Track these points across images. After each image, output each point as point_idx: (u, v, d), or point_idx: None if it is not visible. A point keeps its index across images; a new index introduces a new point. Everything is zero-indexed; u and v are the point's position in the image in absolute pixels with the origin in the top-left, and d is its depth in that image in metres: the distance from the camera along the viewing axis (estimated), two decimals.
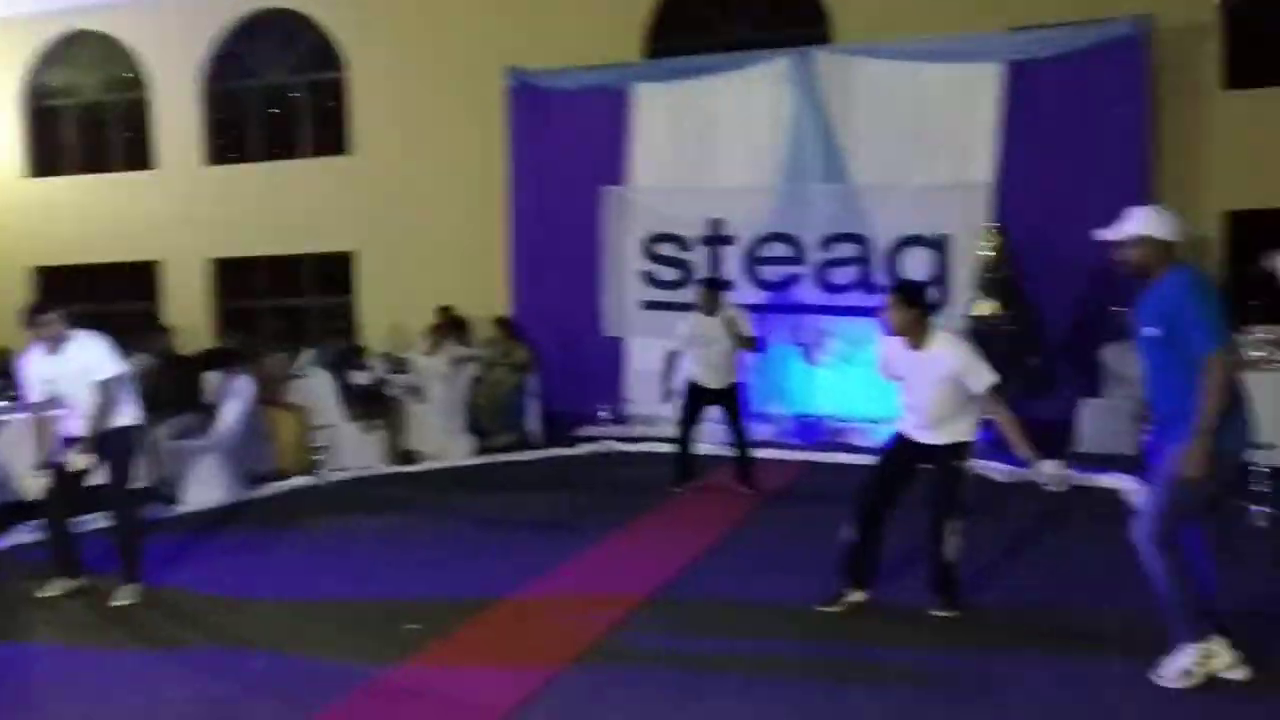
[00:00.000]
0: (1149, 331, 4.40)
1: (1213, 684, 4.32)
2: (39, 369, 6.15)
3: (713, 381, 8.52)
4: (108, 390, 6.06)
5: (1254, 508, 7.12)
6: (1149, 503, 4.40)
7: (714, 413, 8.70)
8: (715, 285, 8.93)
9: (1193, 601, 4.33)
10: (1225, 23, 11.40)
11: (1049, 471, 4.90)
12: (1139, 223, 4.41)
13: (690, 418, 8.69)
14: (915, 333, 5.32)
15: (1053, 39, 10.94)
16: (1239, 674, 4.33)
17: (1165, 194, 11.25)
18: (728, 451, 8.69)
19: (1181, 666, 4.33)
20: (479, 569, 6.59)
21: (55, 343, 6.10)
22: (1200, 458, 4.17)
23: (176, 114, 15.03)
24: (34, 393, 6.22)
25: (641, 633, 5.34)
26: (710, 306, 8.54)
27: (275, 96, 15.07)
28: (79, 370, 6.08)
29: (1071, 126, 10.83)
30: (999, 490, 8.25)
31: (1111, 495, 8.00)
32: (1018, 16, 11.42)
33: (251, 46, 14.92)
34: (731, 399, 8.57)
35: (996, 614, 5.44)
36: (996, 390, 5.22)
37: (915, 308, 5.32)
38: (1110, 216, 4.54)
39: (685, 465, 8.71)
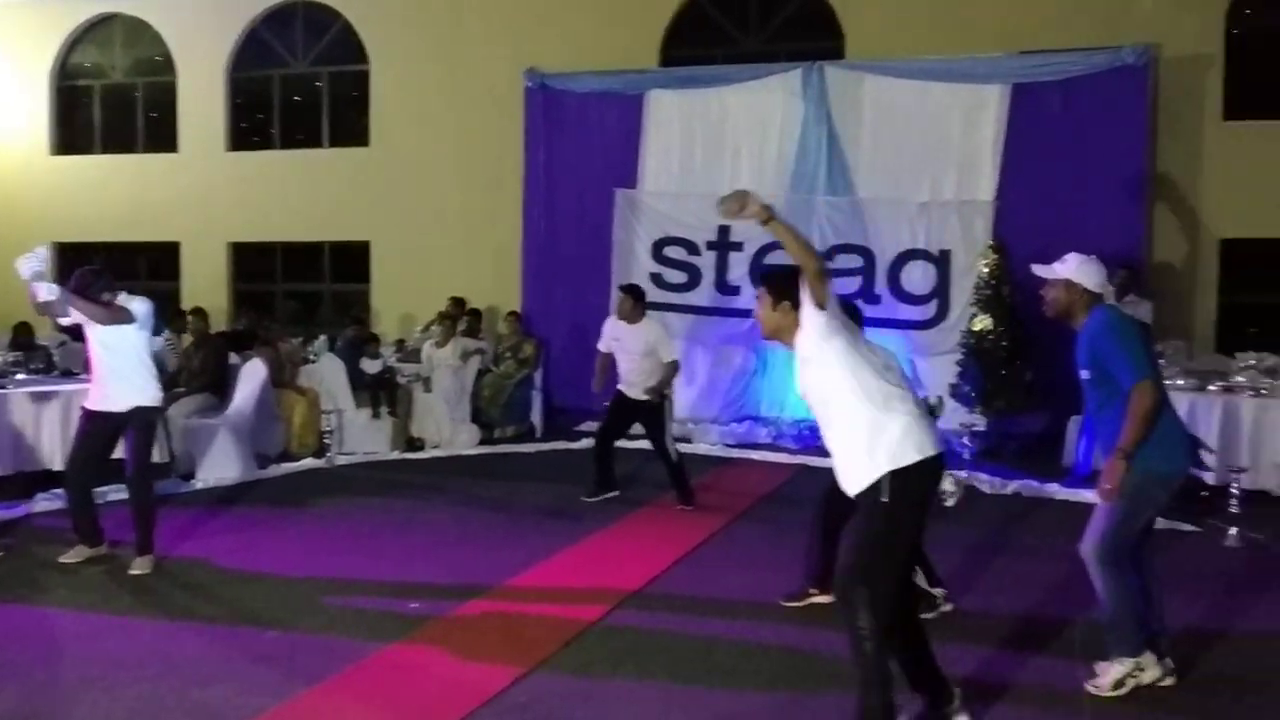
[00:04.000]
0: (1084, 374, 4.69)
1: (1138, 693, 4.61)
2: None
3: (634, 392, 8.18)
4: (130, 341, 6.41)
5: (1231, 529, 7.41)
6: (1095, 522, 4.66)
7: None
8: (635, 293, 8.48)
9: (1132, 617, 4.61)
10: (1227, 54, 11.63)
11: (945, 487, 5.09)
12: (1065, 267, 4.67)
13: (609, 427, 8.47)
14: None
15: (1057, 63, 11.22)
16: (1168, 682, 4.63)
17: (1162, 220, 11.58)
18: (730, 453, 8.58)
19: (1115, 677, 4.61)
20: (481, 554, 6.92)
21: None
22: (1116, 475, 4.43)
23: (201, 99, 15.34)
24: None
25: (632, 618, 5.65)
26: (629, 314, 8.29)
27: (298, 86, 15.39)
28: (110, 331, 6.41)
29: (1073, 150, 11.11)
30: (988, 502, 8.63)
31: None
32: (1024, 41, 11.68)
33: (278, 36, 15.24)
34: (650, 412, 8.19)
35: (968, 617, 5.74)
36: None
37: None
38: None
39: (601, 475, 8.45)
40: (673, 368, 8.22)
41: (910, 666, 4.12)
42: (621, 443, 8.70)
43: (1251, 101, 11.73)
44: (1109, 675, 4.63)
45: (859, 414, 3.91)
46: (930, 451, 3.91)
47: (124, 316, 6.39)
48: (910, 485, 3.86)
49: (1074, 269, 4.65)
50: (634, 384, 8.22)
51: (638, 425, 8.43)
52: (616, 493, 8.53)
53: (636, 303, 8.34)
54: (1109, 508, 4.57)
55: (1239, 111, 11.66)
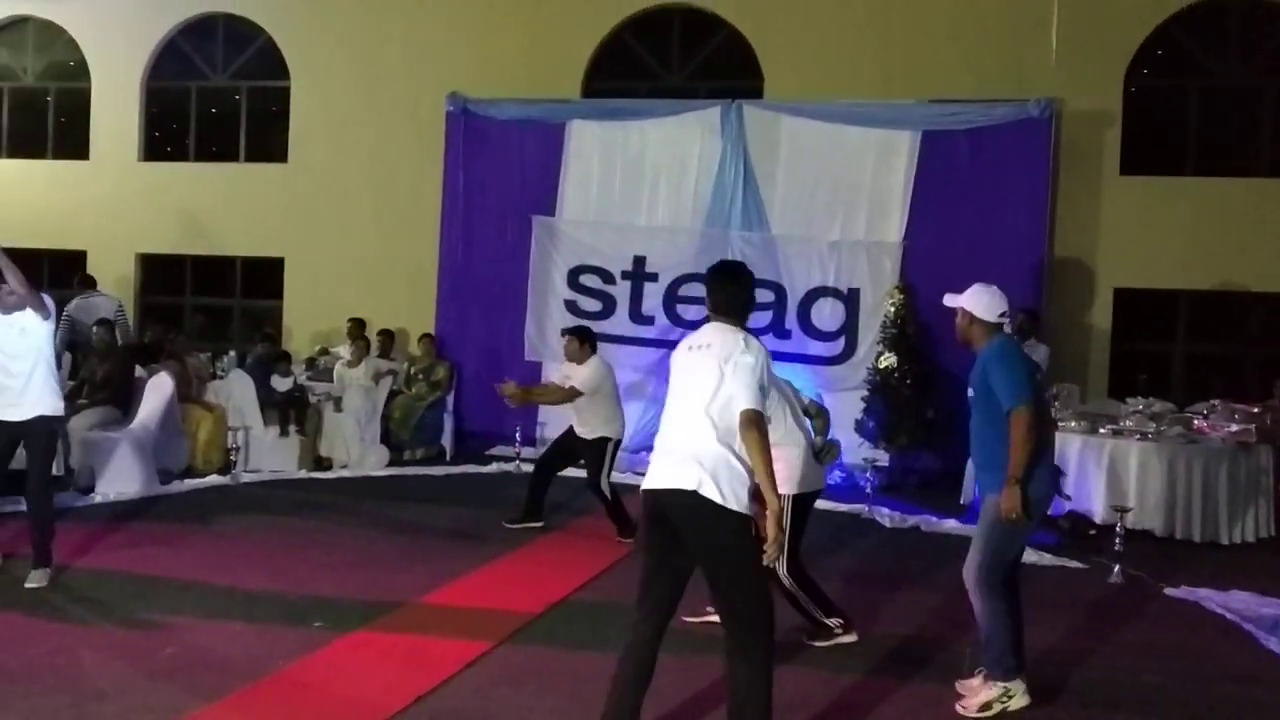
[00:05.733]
0: (970, 393, 5.05)
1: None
2: None
3: (582, 431, 8.21)
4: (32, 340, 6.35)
5: (1115, 566, 7.71)
6: (973, 550, 4.96)
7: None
8: (580, 333, 8.51)
9: (1006, 641, 4.88)
10: (1125, 112, 12.16)
11: None
12: (964, 297, 5.06)
13: (550, 459, 8.58)
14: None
15: (966, 113, 11.62)
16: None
17: (1060, 267, 12.04)
18: (638, 480, 8.61)
19: (984, 699, 4.87)
20: (386, 574, 6.92)
21: (9, 308, 6.35)
22: (1014, 499, 4.74)
23: (116, 107, 15.08)
24: None
25: (535, 641, 5.71)
26: (576, 355, 8.33)
27: (216, 99, 15.24)
28: (18, 330, 6.33)
29: (978, 196, 11.49)
30: (888, 535, 8.87)
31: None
32: (936, 89, 12.09)
33: (197, 48, 15.07)
34: (590, 452, 8.16)
35: (865, 645, 5.90)
36: None
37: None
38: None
39: (530, 504, 8.43)
40: (569, 393, 8.18)
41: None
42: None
43: (1146, 158, 12.27)
44: (979, 697, 4.88)
45: None
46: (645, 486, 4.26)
47: (41, 304, 6.33)
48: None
49: (967, 298, 5.04)
50: (584, 423, 8.23)
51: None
52: (540, 524, 8.46)
53: (583, 344, 8.39)
54: (986, 535, 4.88)
55: (1134, 167, 12.18)
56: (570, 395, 8.15)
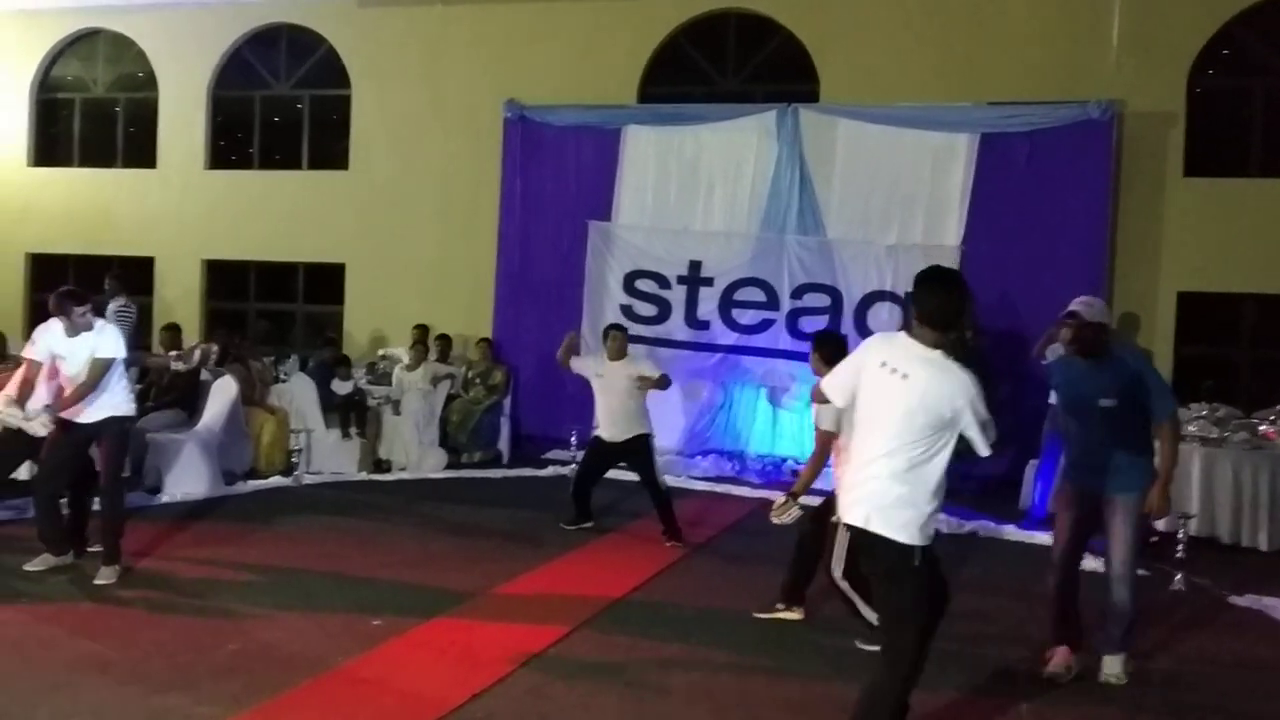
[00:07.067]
0: (1105, 402, 5.30)
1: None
2: (54, 341, 6.55)
3: (614, 434, 8.34)
4: (99, 370, 6.46)
5: (1177, 574, 7.59)
6: (1124, 546, 5.31)
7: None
8: (621, 330, 8.74)
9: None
10: (1189, 113, 11.96)
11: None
12: (1092, 312, 5.42)
13: (587, 472, 8.62)
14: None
15: (1025, 115, 11.49)
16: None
17: (1122, 271, 11.86)
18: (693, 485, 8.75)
19: (1122, 667, 5.41)
20: (443, 574, 7.01)
21: (77, 327, 6.52)
22: (1167, 497, 5.32)
23: (182, 116, 15.38)
24: (39, 355, 6.57)
25: (590, 641, 5.77)
26: (618, 351, 8.48)
27: (279, 108, 15.51)
28: (88, 354, 6.50)
29: (1038, 199, 11.36)
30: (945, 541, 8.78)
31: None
32: (993, 92, 11.95)
33: (261, 57, 15.35)
34: (637, 454, 8.30)
35: None
36: None
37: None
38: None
39: (579, 509, 8.58)
40: (663, 378, 8.39)
41: None
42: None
43: (1211, 159, 12.02)
44: (1115, 666, 5.39)
45: None
46: None
47: (102, 370, 6.48)
48: None
49: (1099, 312, 5.47)
50: (617, 424, 8.33)
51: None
52: (591, 524, 8.62)
53: (626, 338, 8.61)
54: (1135, 531, 5.29)
55: (1198, 168, 11.95)
56: (664, 381, 8.39)
